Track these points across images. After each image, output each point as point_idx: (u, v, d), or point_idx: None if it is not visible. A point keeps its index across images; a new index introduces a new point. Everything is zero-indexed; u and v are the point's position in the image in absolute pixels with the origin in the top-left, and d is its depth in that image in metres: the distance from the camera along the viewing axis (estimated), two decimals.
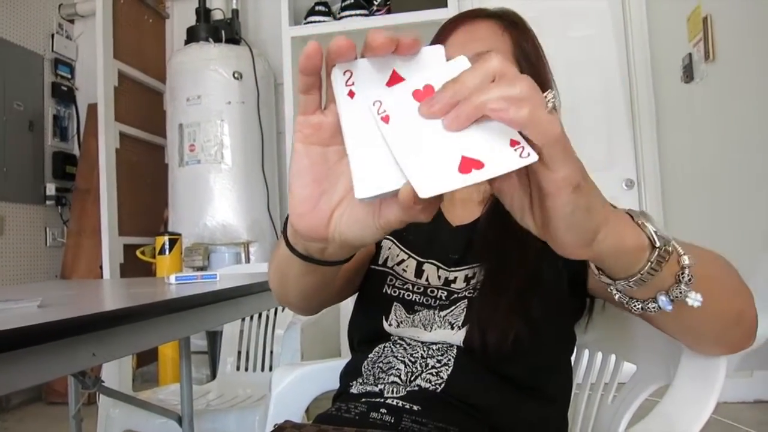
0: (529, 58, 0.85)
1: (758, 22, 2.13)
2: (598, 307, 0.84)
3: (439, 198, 0.38)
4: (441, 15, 2.63)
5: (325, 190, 0.45)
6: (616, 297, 0.51)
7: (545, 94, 0.37)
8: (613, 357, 0.86)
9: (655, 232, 0.47)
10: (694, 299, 0.50)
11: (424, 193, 0.36)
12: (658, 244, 0.47)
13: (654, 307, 0.51)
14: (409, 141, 0.38)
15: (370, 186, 0.39)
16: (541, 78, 0.86)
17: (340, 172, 0.44)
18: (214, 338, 2.76)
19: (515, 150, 0.37)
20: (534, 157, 0.37)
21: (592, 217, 0.42)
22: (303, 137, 0.44)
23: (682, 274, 0.49)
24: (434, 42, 0.89)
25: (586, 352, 0.92)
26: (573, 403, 0.89)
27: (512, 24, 0.86)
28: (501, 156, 0.37)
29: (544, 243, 0.78)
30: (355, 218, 0.44)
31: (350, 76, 0.40)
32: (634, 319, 0.81)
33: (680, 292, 0.49)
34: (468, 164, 0.37)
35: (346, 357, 0.90)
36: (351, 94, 0.40)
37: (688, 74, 2.67)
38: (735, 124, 2.34)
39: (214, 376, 2.66)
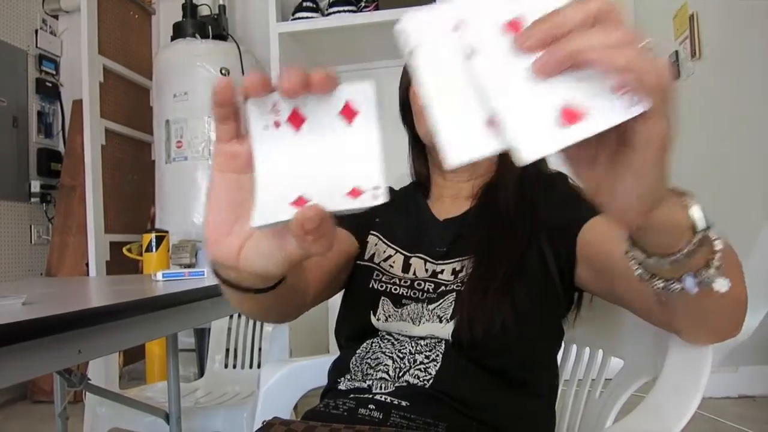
0: None
1: (745, 20, 2.15)
2: (586, 301, 0.85)
3: (332, 229, 0.39)
4: None
5: (238, 217, 0.44)
6: (637, 272, 0.49)
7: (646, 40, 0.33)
8: (600, 352, 0.86)
9: (703, 214, 0.45)
10: (721, 284, 0.48)
11: (529, 156, 0.33)
12: (702, 227, 0.45)
13: (677, 288, 0.48)
14: (499, 88, 0.34)
15: (264, 215, 0.39)
16: None
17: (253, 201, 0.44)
18: (201, 336, 2.74)
19: (620, 99, 0.33)
20: (640, 108, 0.33)
21: (663, 183, 0.40)
22: (218, 165, 0.44)
23: (713, 258, 0.47)
24: None
25: (574, 348, 0.92)
26: (560, 399, 0.89)
27: None
28: (606, 106, 0.33)
29: (530, 235, 0.79)
30: (261, 248, 0.44)
31: (274, 106, 0.40)
32: (621, 313, 0.82)
33: (708, 276, 0.47)
34: (570, 116, 0.33)
35: (335, 354, 0.90)
36: (266, 125, 0.40)
37: (675, 71, 2.69)
38: (722, 121, 2.36)
39: (201, 373, 2.65)
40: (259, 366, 1.95)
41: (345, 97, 0.40)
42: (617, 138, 0.36)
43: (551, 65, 0.33)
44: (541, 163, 0.90)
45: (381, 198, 0.38)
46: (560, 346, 0.86)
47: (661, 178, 0.39)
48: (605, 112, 0.33)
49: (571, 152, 0.37)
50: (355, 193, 0.38)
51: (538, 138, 0.33)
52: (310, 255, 0.42)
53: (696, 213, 0.45)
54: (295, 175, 0.40)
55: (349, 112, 0.40)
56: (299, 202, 0.39)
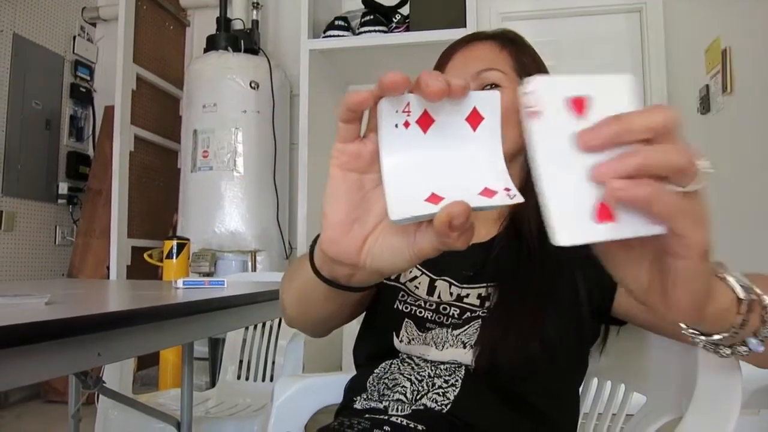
0: (530, 71, 0.85)
1: None
2: (612, 334, 0.83)
3: (474, 226, 0.39)
4: (459, 35, 2.62)
5: (358, 216, 0.45)
6: (701, 346, 0.51)
7: (699, 162, 0.36)
8: (622, 386, 0.84)
9: (740, 284, 0.46)
10: None
11: (561, 241, 0.35)
12: (743, 296, 0.46)
13: (744, 351, 0.50)
14: (552, 173, 0.36)
15: (406, 209, 0.39)
16: None
17: (375, 199, 0.44)
18: (215, 345, 2.75)
19: (645, 217, 0.35)
20: (661, 230, 0.36)
21: (710, 281, 0.42)
22: (340, 163, 0.44)
23: (766, 314, 0.48)
24: (438, 61, 0.90)
25: (595, 381, 0.90)
26: None
27: (510, 41, 0.88)
28: (633, 215, 0.35)
29: (560, 263, 0.77)
30: (388, 245, 0.44)
31: (407, 106, 0.40)
32: (647, 348, 0.80)
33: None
34: (603, 214, 0.36)
35: (348, 371, 0.89)
36: (396, 124, 0.40)
37: (705, 106, 2.66)
38: (751, 155, 2.32)
39: (213, 383, 2.65)
40: (272, 379, 1.95)
41: (473, 103, 0.41)
42: (660, 247, 0.38)
43: (612, 173, 0.35)
44: None
45: (516, 198, 0.39)
46: (583, 376, 0.84)
47: (706, 278, 0.40)
48: (632, 220, 0.35)
49: (611, 251, 0.41)
50: (488, 192, 0.39)
51: (574, 226, 0.35)
52: (443, 250, 0.42)
53: (734, 283, 0.46)
54: (425, 174, 0.40)
55: (475, 118, 0.41)
56: (433, 199, 0.39)
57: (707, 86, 2.64)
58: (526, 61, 0.87)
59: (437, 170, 0.41)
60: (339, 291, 0.55)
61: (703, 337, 0.50)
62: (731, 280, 0.46)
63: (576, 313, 0.77)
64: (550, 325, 0.74)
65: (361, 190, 0.44)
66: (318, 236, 0.50)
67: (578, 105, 0.36)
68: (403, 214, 0.39)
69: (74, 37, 3.59)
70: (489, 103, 0.41)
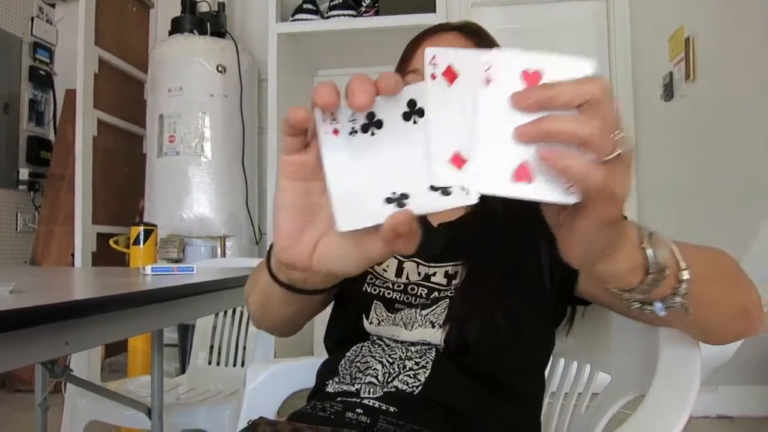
0: None
1: (738, 44, 2.18)
2: (578, 315, 0.86)
3: (419, 230, 0.40)
4: (429, 20, 2.64)
5: (308, 223, 0.46)
6: (613, 289, 0.53)
7: (616, 134, 0.37)
8: (588, 366, 0.87)
9: (654, 259, 0.49)
10: (686, 309, 0.53)
11: (481, 190, 0.38)
12: (651, 270, 0.49)
13: (649, 310, 0.54)
14: (486, 126, 0.38)
15: (352, 220, 0.40)
16: None
17: (323, 205, 0.45)
18: (185, 331, 2.73)
19: (564, 183, 0.38)
20: (573, 200, 0.38)
21: (608, 246, 0.46)
22: (286, 173, 0.45)
23: (678, 287, 0.52)
24: (404, 53, 0.91)
25: (562, 361, 0.93)
26: (546, 412, 0.90)
27: (474, 33, 0.91)
28: (548, 182, 0.38)
29: (524, 243, 0.79)
30: (337, 250, 0.45)
31: (344, 112, 0.40)
32: (612, 329, 0.82)
33: (674, 302, 0.52)
34: (521, 175, 0.38)
35: (319, 356, 0.89)
36: (335, 131, 0.41)
37: (668, 93, 2.72)
38: (712, 142, 2.39)
39: (183, 369, 2.63)
40: (243, 365, 1.94)
41: (410, 95, 0.40)
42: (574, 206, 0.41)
43: (527, 136, 0.38)
44: None
45: (473, 198, 0.39)
46: (550, 355, 0.86)
47: (605, 243, 0.45)
48: (545, 186, 0.38)
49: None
50: (441, 191, 0.39)
51: (494, 180, 0.38)
52: (392, 255, 0.44)
53: (651, 255, 0.49)
54: (371, 178, 0.40)
55: (415, 111, 0.40)
56: (380, 205, 0.40)
57: (671, 73, 2.70)
58: None
59: (384, 173, 0.40)
60: (297, 294, 0.57)
61: (616, 290, 0.53)
62: (649, 252, 0.49)
63: (541, 291, 0.79)
64: (515, 302, 0.76)
65: (310, 197, 0.45)
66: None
67: (532, 78, 0.38)
68: (348, 225, 0.40)
69: (32, 18, 3.47)
70: (423, 93, 0.40)
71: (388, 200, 0.40)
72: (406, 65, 0.90)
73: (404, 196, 0.39)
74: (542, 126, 0.37)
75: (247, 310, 0.76)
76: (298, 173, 0.45)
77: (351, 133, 0.41)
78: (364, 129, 0.40)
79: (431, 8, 2.73)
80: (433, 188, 0.39)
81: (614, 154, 0.37)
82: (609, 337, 0.84)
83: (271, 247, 0.54)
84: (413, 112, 0.40)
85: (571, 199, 0.38)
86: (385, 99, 0.40)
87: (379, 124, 0.40)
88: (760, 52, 2.06)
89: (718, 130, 2.34)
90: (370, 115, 0.40)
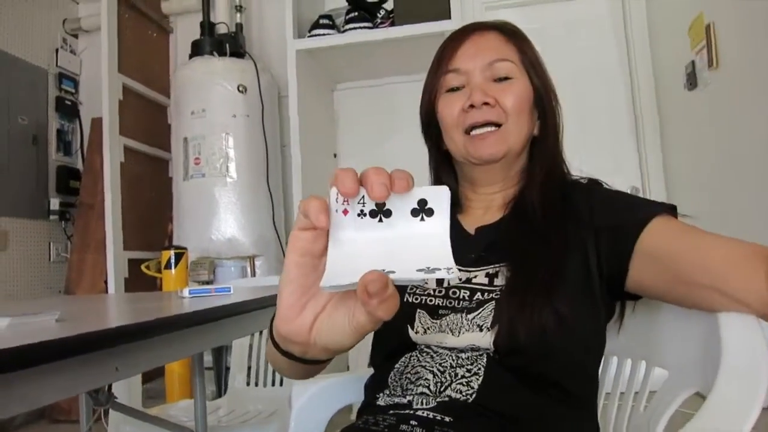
0: (534, 65, 0.90)
1: (761, 29, 2.14)
2: (629, 311, 0.84)
3: (396, 296, 0.42)
4: (444, 27, 2.64)
5: (311, 297, 0.49)
6: None
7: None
8: (643, 363, 0.85)
9: None
10: None
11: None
12: None
13: None
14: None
15: (332, 279, 0.43)
16: (547, 83, 0.91)
17: None
18: (219, 354, 2.73)
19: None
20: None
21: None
22: (296, 248, 0.47)
23: None
24: (441, 52, 0.91)
25: (614, 359, 0.90)
26: (603, 412, 0.88)
27: (514, 34, 0.92)
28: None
29: (567, 241, 0.79)
30: (333, 323, 0.48)
31: (358, 197, 0.44)
32: (665, 321, 0.80)
33: None
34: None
35: (357, 372, 0.88)
36: (345, 212, 0.45)
37: (692, 82, 2.67)
38: (738, 130, 2.34)
39: (219, 391, 2.64)
40: (281, 384, 1.94)
41: (422, 196, 0.45)
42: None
43: None
44: (565, 169, 0.93)
45: (453, 274, 0.42)
46: (602, 353, 0.84)
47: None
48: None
49: None
50: (428, 270, 0.42)
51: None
52: (377, 321, 0.45)
53: None
54: (369, 253, 0.44)
55: (424, 210, 0.45)
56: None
57: (693, 62, 2.65)
58: (530, 53, 0.91)
59: (381, 250, 0.44)
60: (299, 364, 0.58)
61: None
62: None
63: (589, 288, 0.78)
64: (563, 300, 0.75)
65: (315, 273, 0.47)
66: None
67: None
68: (329, 282, 0.43)
69: (57, 50, 3.55)
70: (438, 196, 0.45)
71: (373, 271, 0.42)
72: (445, 65, 0.90)
73: (391, 272, 0.42)
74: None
75: None
76: (306, 249, 0.47)
77: (360, 215, 0.45)
78: (373, 214, 0.45)
79: (446, 15, 2.72)
80: (419, 270, 0.42)
81: None
82: (662, 330, 0.81)
83: (274, 315, 0.55)
84: (422, 210, 0.45)
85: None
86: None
87: (388, 214, 0.45)
88: None
89: (744, 116, 2.29)
90: (381, 204, 0.44)
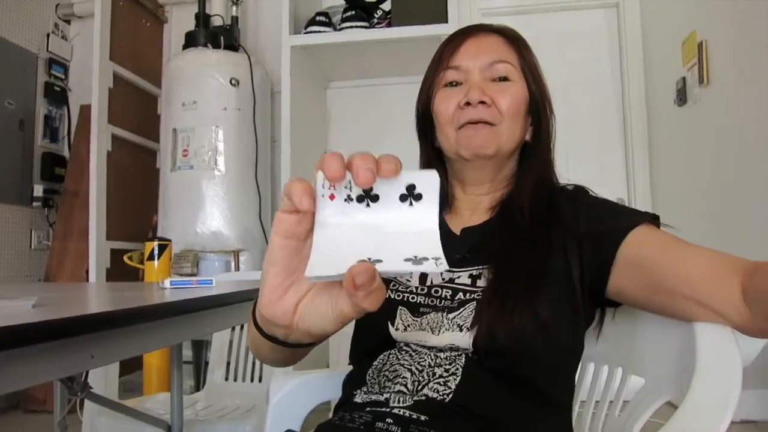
0: (533, 71, 0.91)
1: (752, 48, 2.16)
2: (608, 318, 0.84)
3: (382, 288, 0.41)
4: (441, 30, 2.64)
5: (294, 282, 0.48)
6: None
7: None
8: (619, 370, 0.85)
9: None
10: None
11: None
12: None
13: None
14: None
15: (318, 269, 0.42)
16: (544, 91, 0.92)
17: None
18: (199, 348, 2.72)
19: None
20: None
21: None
22: (281, 230, 0.46)
23: None
24: (442, 49, 0.91)
25: (591, 366, 0.91)
26: (578, 418, 0.88)
27: (515, 39, 0.93)
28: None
29: (551, 245, 0.79)
30: (315, 308, 0.48)
31: (344, 180, 0.43)
32: (643, 330, 0.81)
33: None
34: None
35: (336, 368, 0.88)
36: (331, 197, 0.44)
37: (682, 97, 2.70)
38: (726, 147, 2.37)
39: (198, 386, 2.62)
40: (260, 380, 1.93)
41: (411, 181, 0.44)
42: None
43: None
44: (555, 177, 0.93)
45: (442, 266, 0.41)
46: (580, 358, 0.85)
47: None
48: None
49: None
50: (415, 260, 0.42)
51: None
52: (361, 312, 0.44)
53: None
54: (355, 240, 0.43)
55: (413, 195, 0.44)
56: (355, 262, 0.42)
57: (684, 78, 2.68)
58: (528, 59, 0.92)
59: (366, 240, 0.43)
60: (282, 347, 0.58)
61: None
62: None
63: (570, 292, 0.78)
64: (544, 304, 0.75)
65: (299, 256, 0.47)
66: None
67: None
68: (313, 273, 0.42)
69: (48, 35, 3.51)
70: (427, 181, 0.44)
71: (361, 261, 0.41)
72: (445, 61, 0.90)
73: (378, 261, 0.41)
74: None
75: None
76: (290, 231, 0.46)
77: (346, 200, 0.44)
78: (360, 200, 0.44)
79: (443, 18, 2.73)
80: (407, 260, 0.41)
81: None
82: (640, 338, 0.82)
83: (257, 298, 0.54)
84: (411, 195, 0.44)
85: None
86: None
87: (375, 198, 0.44)
88: None
89: (733, 133, 2.31)
90: (369, 189, 0.43)
